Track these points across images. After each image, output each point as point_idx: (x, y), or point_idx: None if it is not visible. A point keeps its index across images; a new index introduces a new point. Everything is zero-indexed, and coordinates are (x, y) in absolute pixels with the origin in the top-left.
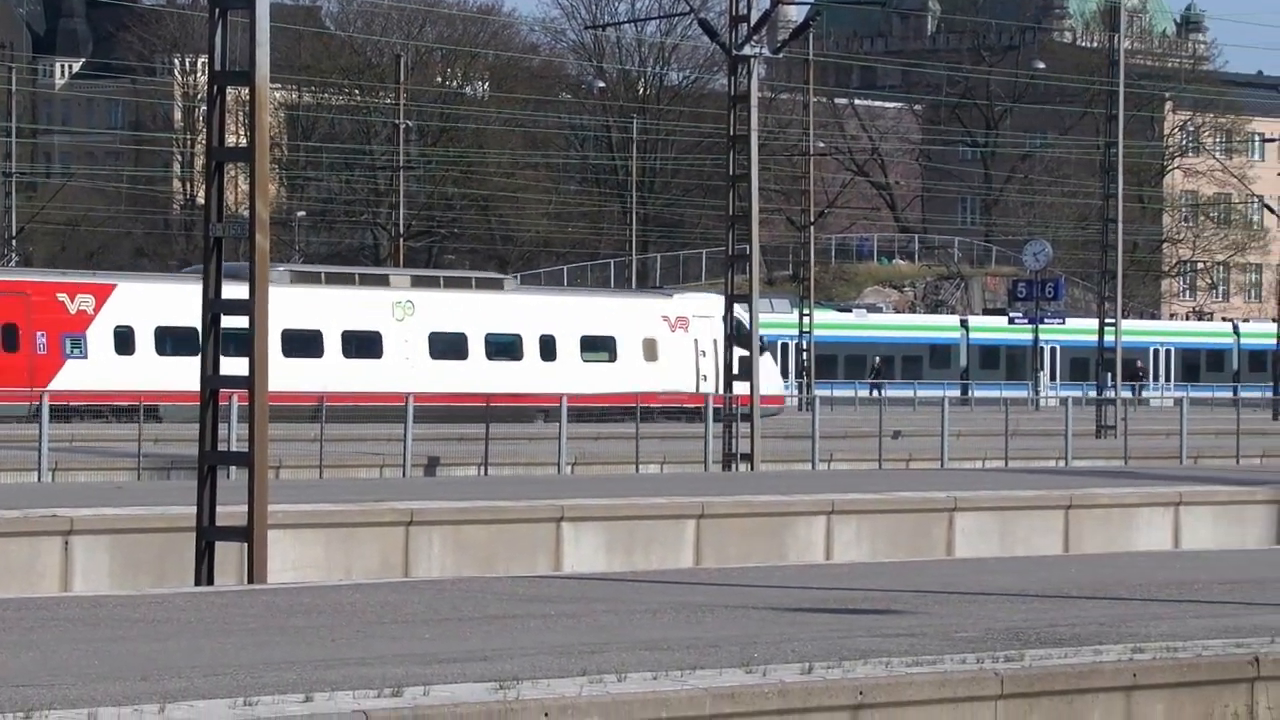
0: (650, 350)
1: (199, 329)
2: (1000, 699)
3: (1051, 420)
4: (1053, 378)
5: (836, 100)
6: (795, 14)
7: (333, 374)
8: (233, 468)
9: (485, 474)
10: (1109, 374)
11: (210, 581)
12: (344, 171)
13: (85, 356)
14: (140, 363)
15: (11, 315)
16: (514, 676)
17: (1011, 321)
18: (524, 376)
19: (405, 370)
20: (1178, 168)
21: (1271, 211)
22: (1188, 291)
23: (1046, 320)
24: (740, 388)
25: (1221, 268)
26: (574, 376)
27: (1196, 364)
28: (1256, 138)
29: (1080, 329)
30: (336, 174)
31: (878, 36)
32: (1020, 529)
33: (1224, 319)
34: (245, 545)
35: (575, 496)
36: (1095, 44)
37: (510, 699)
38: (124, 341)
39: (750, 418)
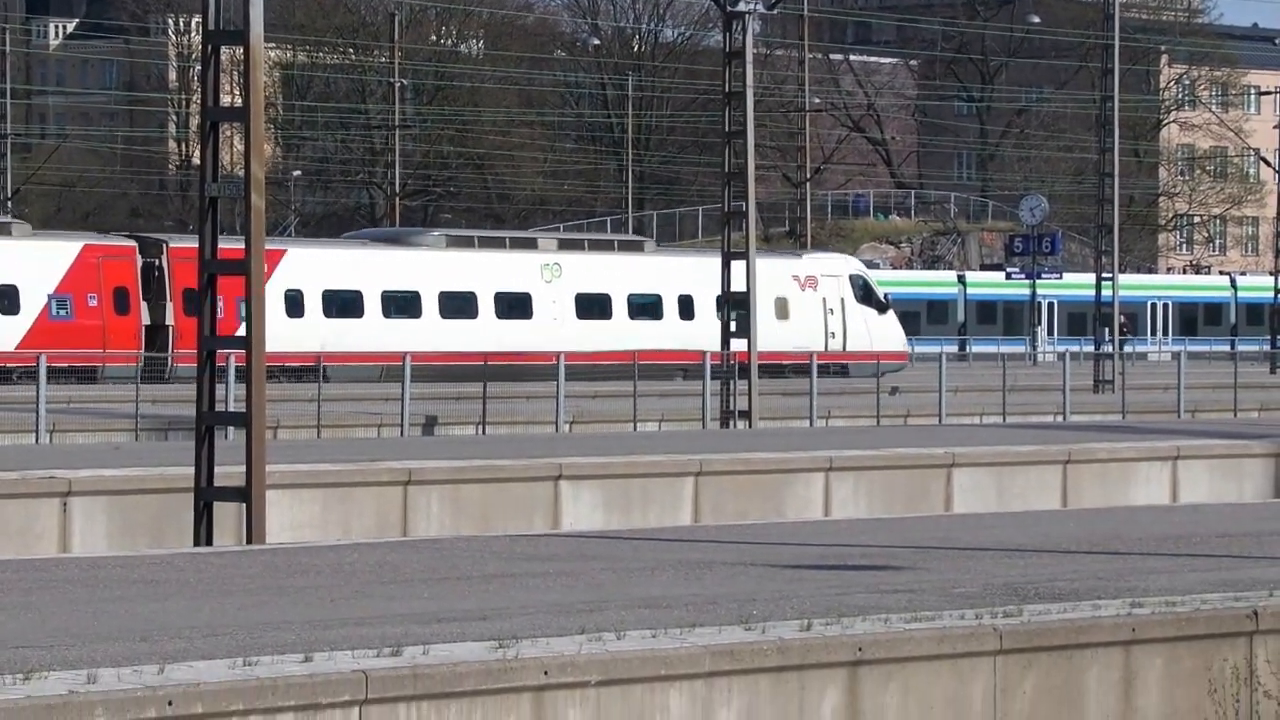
0: (781, 309)
1: (362, 292)
2: (999, 654)
3: (1049, 375)
4: (1050, 333)
5: (831, 56)
6: None
7: (487, 334)
8: (230, 428)
9: (483, 433)
10: (1106, 329)
11: (209, 542)
12: (339, 131)
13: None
14: (309, 325)
15: (189, 281)
16: (513, 635)
17: (1009, 277)
18: (664, 334)
19: (554, 330)
20: (1174, 121)
21: (1268, 164)
22: (1184, 245)
23: (1043, 275)
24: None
25: (1218, 221)
26: (710, 334)
27: (1194, 318)
28: (1252, 91)
29: (1077, 284)
30: (332, 133)
31: None
32: (1018, 484)
33: (1221, 272)
34: (244, 506)
35: (573, 455)
36: None
37: (509, 657)
38: (295, 304)
39: (749, 374)
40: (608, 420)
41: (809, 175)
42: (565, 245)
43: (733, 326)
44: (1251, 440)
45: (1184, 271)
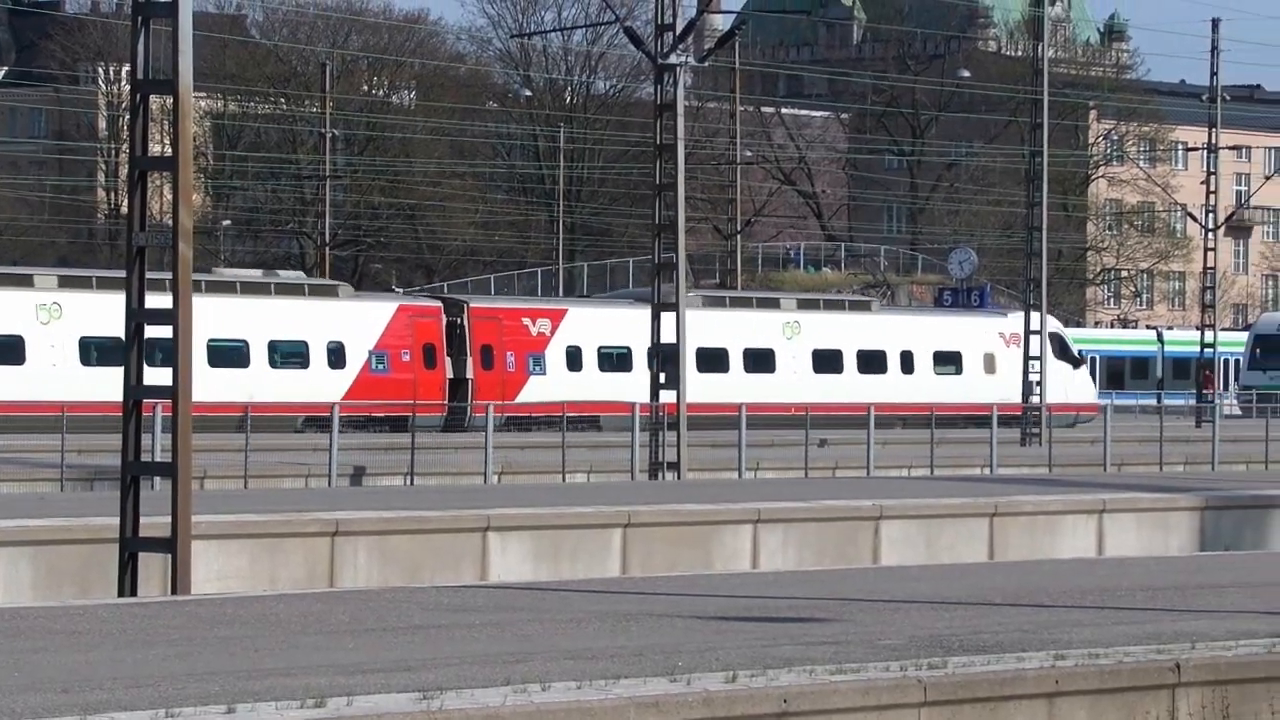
0: (990, 364)
1: (630, 348)
2: (924, 706)
3: (977, 428)
4: None
5: (763, 109)
6: (721, 23)
7: (736, 387)
8: (157, 479)
9: (411, 484)
10: (1034, 382)
11: (134, 592)
12: (269, 180)
13: (544, 373)
14: (587, 378)
15: (487, 338)
16: (438, 686)
17: None
18: (888, 388)
19: (794, 382)
20: (1102, 176)
21: (1194, 220)
22: (1112, 299)
23: None
24: (1054, 396)
25: (1145, 275)
26: (929, 388)
27: (1121, 371)
28: (1179, 146)
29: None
30: (262, 183)
31: (803, 45)
32: (946, 537)
33: (1148, 326)
34: (169, 556)
35: (501, 506)
36: (1020, 53)
37: (434, 709)
38: (574, 360)
39: (677, 426)
40: (537, 471)
41: (740, 227)
42: (803, 305)
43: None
44: (1177, 494)
45: (1111, 325)
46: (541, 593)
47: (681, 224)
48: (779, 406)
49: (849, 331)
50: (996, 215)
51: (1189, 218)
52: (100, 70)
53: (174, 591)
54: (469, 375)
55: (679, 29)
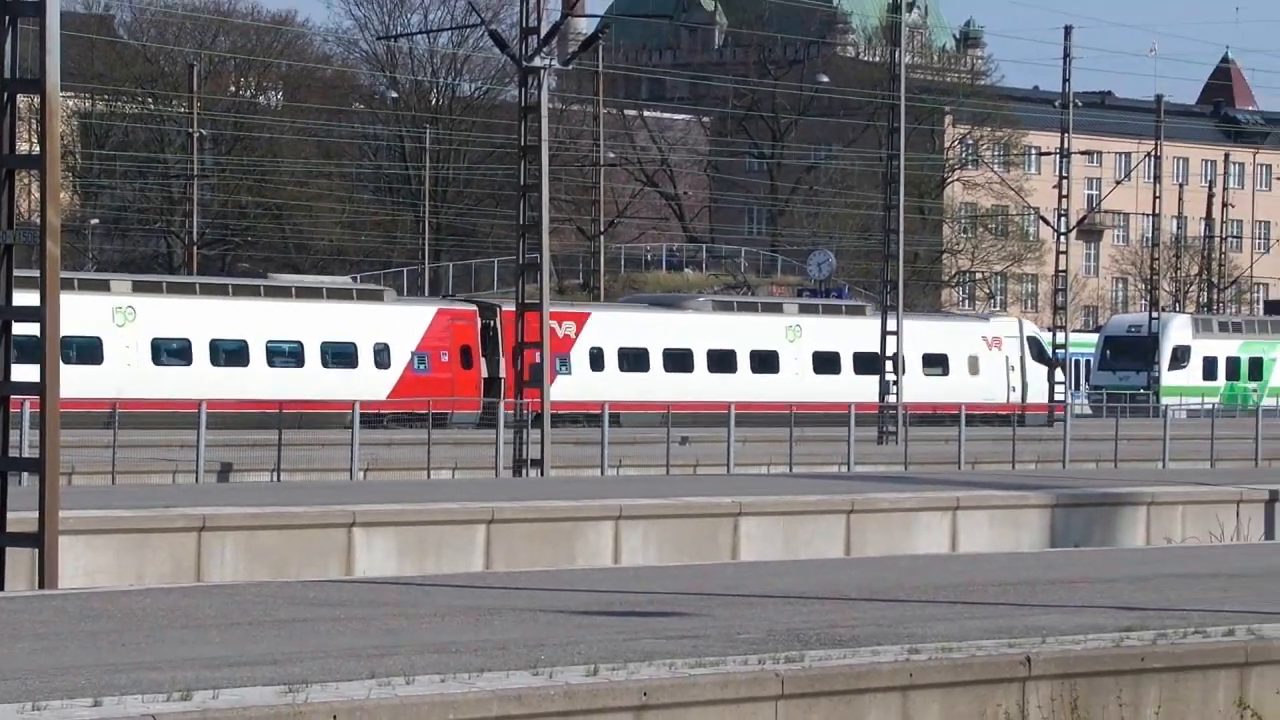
0: (973, 366)
1: (649, 350)
2: (781, 699)
3: (834, 426)
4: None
5: (626, 111)
6: (585, 26)
7: (743, 386)
8: (24, 474)
9: (278, 480)
10: (891, 380)
11: (1, 588)
12: (138, 179)
13: (570, 373)
14: (608, 377)
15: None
16: (303, 680)
17: None
18: (864, 389)
19: (795, 383)
20: (957, 180)
21: (1047, 223)
22: (967, 301)
23: None
24: (1032, 397)
25: (999, 278)
26: (918, 388)
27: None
28: (1033, 151)
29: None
30: (130, 182)
31: (666, 49)
32: (803, 533)
33: None
34: (36, 551)
35: (367, 502)
36: (877, 58)
37: (299, 702)
38: (596, 361)
39: (541, 423)
40: (403, 468)
41: (603, 228)
42: (804, 310)
43: (933, 380)
44: (1029, 492)
45: None
46: (406, 587)
47: (546, 225)
48: (779, 405)
49: (845, 335)
50: (854, 218)
51: (1041, 221)
52: None
53: (41, 586)
54: (502, 374)
55: (543, 32)
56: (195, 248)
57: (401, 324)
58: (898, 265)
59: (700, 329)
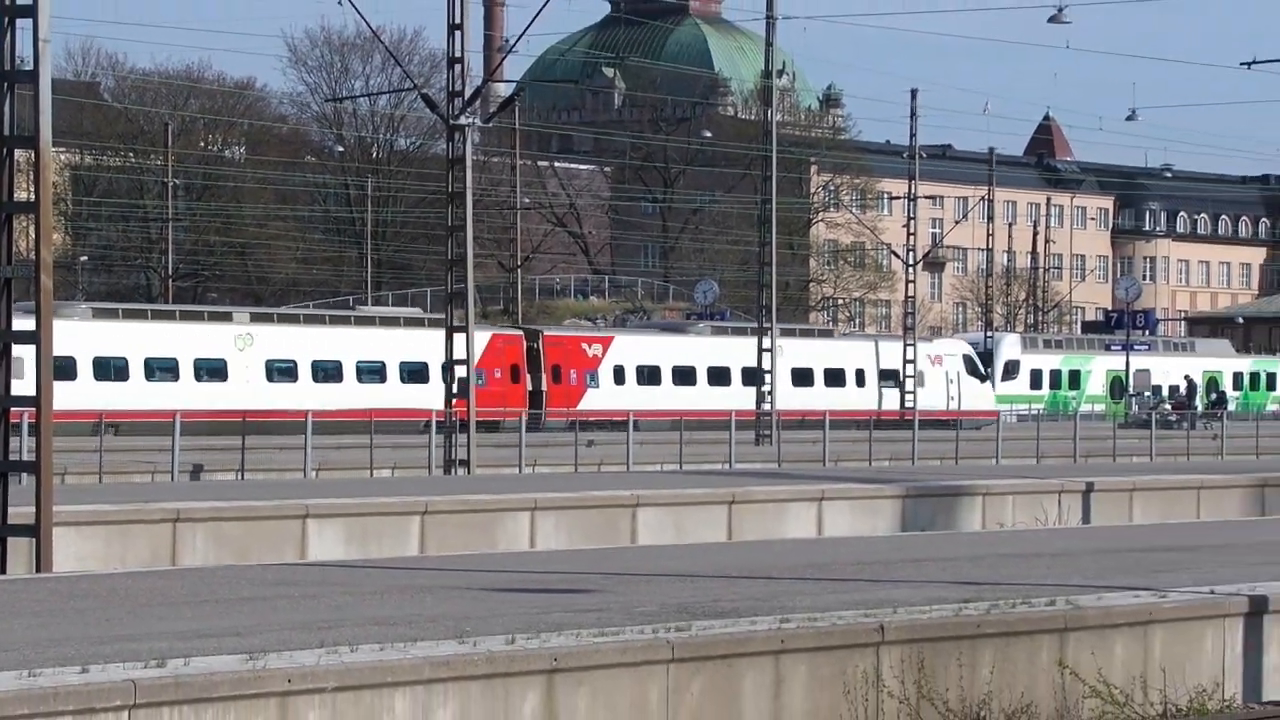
0: (920, 379)
1: (661, 368)
2: (671, 663)
3: (719, 430)
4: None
5: (539, 163)
6: (503, 89)
7: (738, 396)
8: (23, 475)
9: (243, 478)
10: (767, 390)
11: (3, 571)
12: (120, 222)
13: (598, 387)
14: (628, 391)
15: (557, 359)
16: (262, 649)
17: None
18: (850, 398)
19: (783, 392)
20: (821, 220)
21: (897, 256)
22: (830, 323)
23: None
24: (967, 405)
25: (857, 303)
26: (874, 397)
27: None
28: (885, 195)
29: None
30: (114, 224)
31: (573, 109)
32: (692, 521)
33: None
34: (33, 540)
35: (319, 497)
36: (753, 117)
37: (258, 668)
38: (619, 376)
39: (468, 428)
40: (349, 468)
41: (520, 263)
42: (800, 333)
43: (889, 391)
44: (884, 484)
45: None
46: (352, 570)
47: (470, 260)
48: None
49: (818, 353)
50: (734, 253)
51: (893, 255)
52: None
53: (38, 570)
54: (544, 388)
55: (467, 95)
56: (171, 280)
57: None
58: (771, 293)
59: (701, 350)
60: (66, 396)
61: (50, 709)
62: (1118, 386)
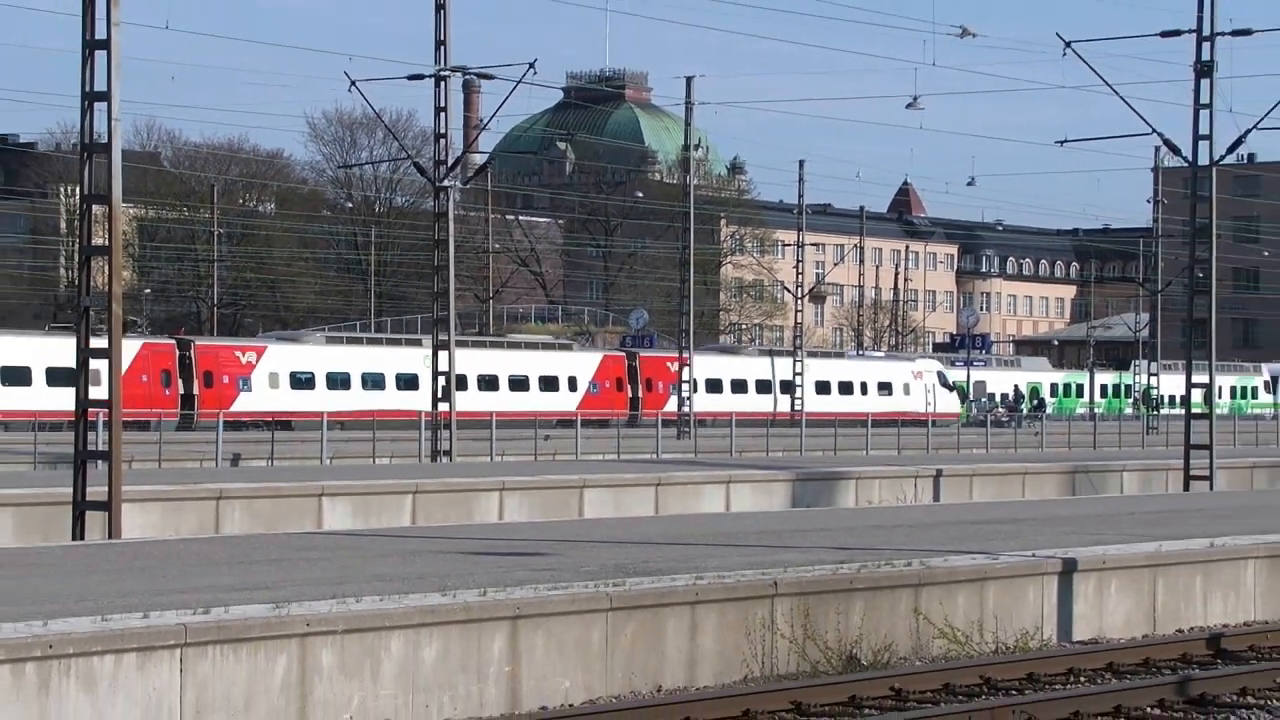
0: (906, 389)
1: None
2: (610, 611)
3: (647, 430)
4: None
5: (507, 216)
6: (479, 159)
7: (860, 404)
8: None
9: (273, 465)
10: (689, 399)
11: (82, 538)
12: (176, 262)
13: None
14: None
15: (649, 374)
16: (286, 600)
17: None
18: (854, 405)
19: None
20: (729, 262)
21: (789, 291)
22: (737, 344)
23: None
24: (940, 409)
25: (758, 328)
26: (874, 403)
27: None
28: (780, 243)
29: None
30: (171, 264)
31: (533, 174)
32: (627, 499)
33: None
34: (107, 513)
35: (332, 479)
36: (675, 181)
37: (283, 614)
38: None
39: (450, 426)
40: (356, 456)
41: (491, 294)
42: (819, 354)
43: (883, 398)
44: (778, 470)
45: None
46: (357, 538)
47: (453, 293)
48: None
49: (836, 369)
50: (661, 288)
51: (785, 290)
52: (61, 188)
53: (110, 537)
54: (640, 396)
55: (450, 163)
56: (216, 309)
57: (583, 364)
58: (689, 320)
59: (749, 366)
60: (307, 401)
61: (120, 647)
62: (961, 394)
